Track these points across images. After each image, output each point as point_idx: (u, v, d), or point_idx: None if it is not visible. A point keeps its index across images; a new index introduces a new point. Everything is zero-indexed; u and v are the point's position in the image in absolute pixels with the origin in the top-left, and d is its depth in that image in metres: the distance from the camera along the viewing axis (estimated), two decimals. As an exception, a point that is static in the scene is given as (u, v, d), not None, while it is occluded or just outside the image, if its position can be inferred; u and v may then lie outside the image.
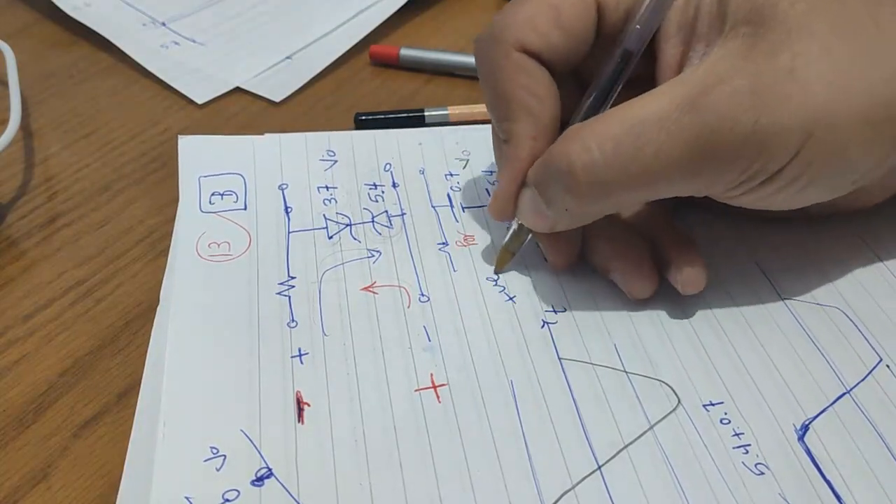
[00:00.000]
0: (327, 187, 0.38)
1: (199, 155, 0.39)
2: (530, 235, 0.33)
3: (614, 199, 0.29)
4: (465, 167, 0.40)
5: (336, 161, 0.40)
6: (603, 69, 0.31)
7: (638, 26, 0.30)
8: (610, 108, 0.31)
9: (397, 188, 0.38)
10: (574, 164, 0.29)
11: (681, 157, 0.27)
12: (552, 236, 0.33)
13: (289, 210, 0.37)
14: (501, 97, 0.32)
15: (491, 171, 0.39)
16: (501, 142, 0.33)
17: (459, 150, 0.41)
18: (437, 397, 0.29)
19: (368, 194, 0.38)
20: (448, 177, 0.39)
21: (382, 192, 0.38)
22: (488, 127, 0.42)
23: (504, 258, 0.34)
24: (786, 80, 0.27)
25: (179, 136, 0.40)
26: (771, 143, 0.27)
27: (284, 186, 0.38)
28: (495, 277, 0.34)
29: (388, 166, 0.39)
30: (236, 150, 0.40)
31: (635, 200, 0.31)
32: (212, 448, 0.28)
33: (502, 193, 0.32)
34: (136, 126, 0.44)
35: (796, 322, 0.32)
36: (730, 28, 0.28)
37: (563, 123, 0.32)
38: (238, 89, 0.46)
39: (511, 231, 0.34)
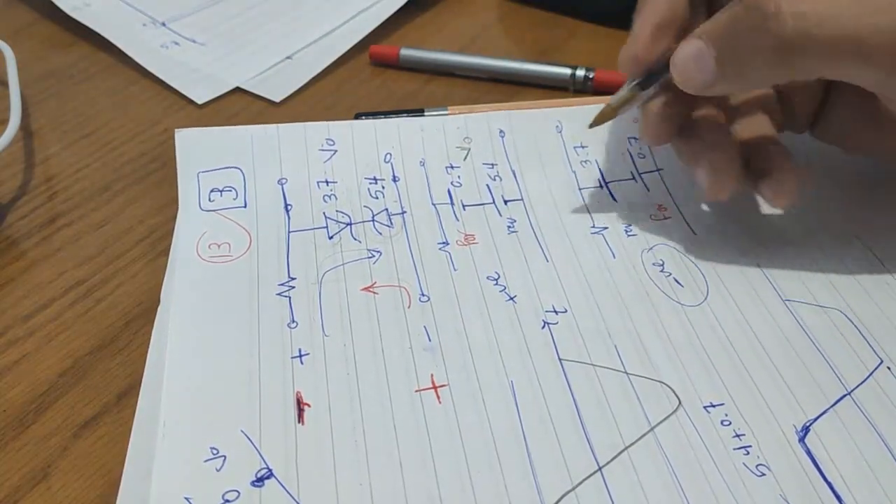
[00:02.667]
0: (327, 182, 0.38)
1: (197, 148, 0.39)
2: (643, 100, 0.33)
3: (812, 62, 0.28)
4: (465, 158, 0.39)
5: (336, 151, 0.39)
6: None
7: None
8: None
9: (397, 182, 0.38)
10: (786, 13, 0.27)
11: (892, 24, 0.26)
12: (661, 111, 0.32)
13: (289, 208, 0.37)
14: None
15: (492, 164, 0.39)
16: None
17: (461, 136, 0.40)
18: (438, 398, 0.29)
19: (369, 189, 0.38)
20: (449, 169, 0.39)
21: (383, 187, 0.38)
22: (489, 113, 0.41)
23: (606, 114, 0.34)
24: None
25: (177, 130, 0.40)
26: None
27: (284, 181, 0.38)
28: (496, 277, 0.34)
29: (388, 157, 0.39)
30: (234, 141, 0.39)
31: (831, 69, 0.29)
32: (212, 448, 0.27)
33: (634, 42, 0.32)
34: (135, 126, 0.44)
35: (797, 323, 0.32)
36: None
37: None
38: (238, 89, 0.46)
39: (625, 90, 0.33)
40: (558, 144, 0.40)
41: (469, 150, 0.40)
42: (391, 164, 0.39)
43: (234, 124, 0.44)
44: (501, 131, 0.41)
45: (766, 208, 0.37)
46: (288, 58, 0.49)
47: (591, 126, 0.34)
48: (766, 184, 0.32)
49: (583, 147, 0.40)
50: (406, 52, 0.48)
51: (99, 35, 0.49)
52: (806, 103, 0.35)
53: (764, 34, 0.28)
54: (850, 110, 0.34)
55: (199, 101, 0.45)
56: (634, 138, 0.40)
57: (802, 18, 0.27)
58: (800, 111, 0.35)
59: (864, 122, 0.33)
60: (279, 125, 0.40)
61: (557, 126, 0.41)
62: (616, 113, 0.34)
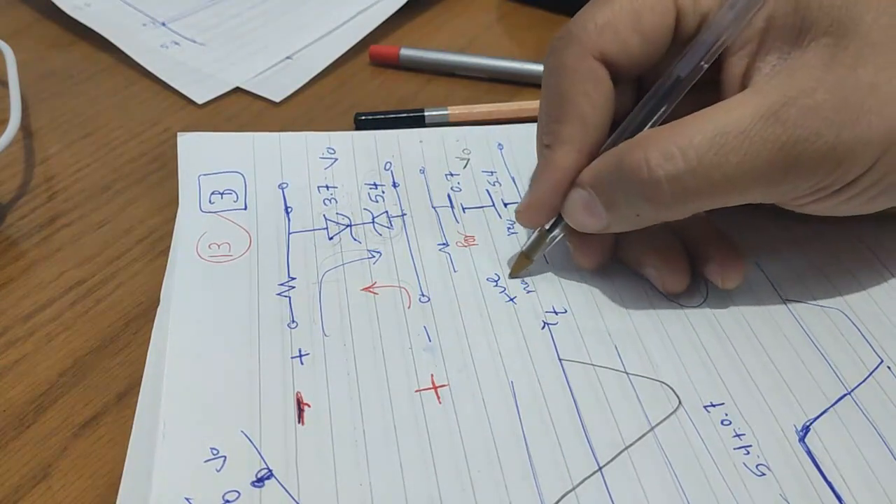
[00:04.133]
0: (327, 187, 0.38)
1: (198, 152, 0.39)
2: (555, 242, 0.33)
3: (691, 207, 0.29)
4: (465, 167, 0.40)
5: (336, 159, 0.39)
6: (655, 89, 0.31)
7: (689, 53, 0.31)
8: (660, 124, 0.31)
9: (397, 188, 0.38)
10: (656, 173, 0.28)
11: (763, 168, 0.28)
12: (586, 237, 0.33)
13: (289, 210, 0.37)
14: (561, 100, 0.32)
15: (492, 171, 0.39)
16: (544, 147, 0.32)
17: (460, 148, 0.41)
18: (438, 398, 0.29)
19: (369, 194, 0.38)
20: (448, 177, 0.39)
21: (383, 192, 0.38)
22: (489, 127, 0.42)
23: (521, 264, 0.34)
24: (868, 94, 0.27)
25: (179, 134, 0.40)
26: (850, 156, 0.27)
27: (284, 186, 0.38)
28: (495, 278, 0.34)
29: (388, 165, 0.39)
30: (236, 148, 0.40)
31: (709, 207, 0.30)
32: (212, 449, 0.27)
33: (539, 199, 0.32)
34: (135, 126, 0.44)
35: (797, 323, 0.32)
36: (809, 39, 0.29)
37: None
38: (238, 89, 0.46)
39: (533, 237, 0.34)
40: None
41: (468, 160, 0.40)
42: (391, 172, 0.39)
43: (234, 124, 0.44)
44: (500, 144, 0.41)
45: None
46: (288, 58, 0.49)
47: (511, 277, 0.34)
48: (713, 270, 0.33)
49: None
50: (406, 52, 0.48)
51: (99, 35, 0.49)
52: None
53: (644, 195, 0.29)
54: None
55: (199, 101, 0.45)
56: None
57: (677, 181, 0.28)
58: None
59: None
60: (280, 133, 0.40)
61: None
62: (532, 260, 0.34)
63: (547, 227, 0.33)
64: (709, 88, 0.31)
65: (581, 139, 0.31)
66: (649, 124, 0.31)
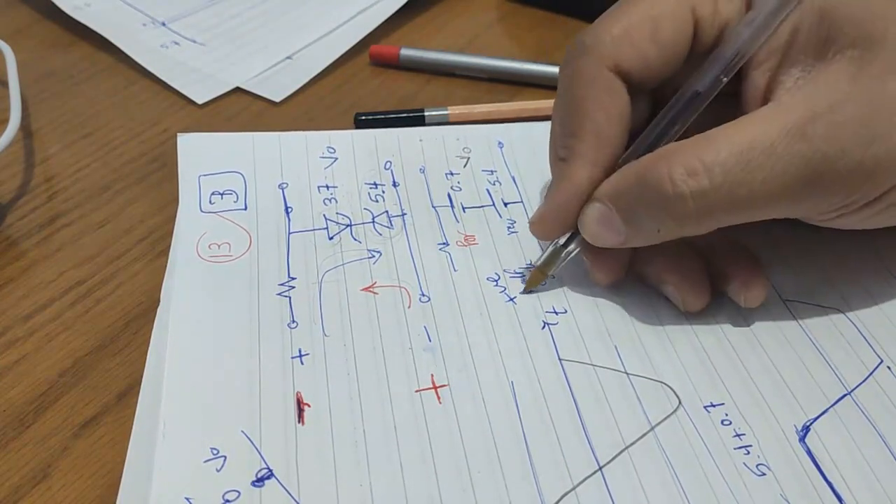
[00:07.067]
0: (327, 186, 0.38)
1: (198, 153, 0.39)
2: (570, 257, 0.33)
3: (715, 222, 0.29)
4: (465, 166, 0.40)
5: (336, 159, 0.39)
6: (673, 102, 0.31)
7: (708, 67, 0.30)
8: (678, 138, 0.30)
9: (398, 187, 0.38)
10: (680, 188, 0.28)
11: (789, 184, 0.27)
12: (603, 252, 0.32)
13: (289, 210, 0.37)
14: (576, 112, 0.31)
15: (492, 171, 0.39)
16: (559, 160, 0.32)
17: (460, 146, 0.41)
18: (438, 398, 0.29)
19: (369, 194, 0.38)
20: (448, 176, 0.39)
21: (383, 191, 0.38)
22: (489, 126, 0.42)
23: (536, 279, 0.33)
24: None
25: (179, 135, 0.40)
26: (879, 171, 0.27)
27: (284, 186, 0.38)
28: (496, 277, 0.34)
29: (388, 164, 0.39)
30: (236, 148, 0.40)
31: (733, 223, 0.30)
32: (212, 449, 0.27)
33: (554, 212, 0.32)
34: (135, 126, 0.44)
35: (797, 323, 0.32)
36: (835, 51, 0.28)
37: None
38: (238, 89, 0.46)
39: (548, 252, 0.33)
40: None
41: (468, 158, 0.40)
42: (391, 171, 0.39)
43: (234, 124, 0.44)
44: (500, 143, 0.41)
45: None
46: (288, 58, 0.49)
47: (525, 293, 0.33)
48: (735, 289, 0.32)
49: None
50: (406, 52, 0.48)
51: (99, 35, 0.49)
52: None
53: (667, 210, 0.29)
54: None
55: (199, 101, 0.45)
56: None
57: (702, 197, 0.28)
58: None
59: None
60: (280, 133, 0.40)
61: None
62: (546, 276, 0.33)
63: (562, 241, 0.33)
64: (728, 101, 0.31)
65: (597, 153, 0.31)
66: (667, 138, 0.30)
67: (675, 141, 0.30)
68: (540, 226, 0.33)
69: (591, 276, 0.33)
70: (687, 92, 0.30)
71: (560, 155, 0.32)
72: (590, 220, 0.31)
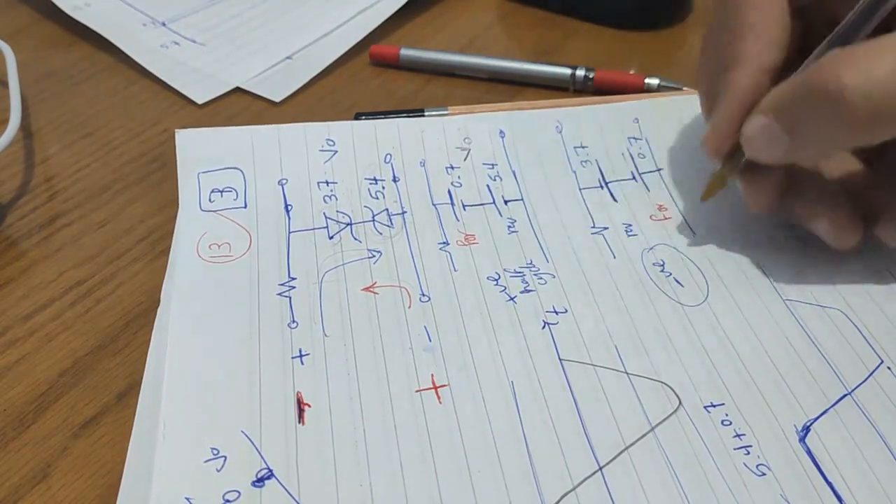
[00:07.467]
0: (327, 182, 0.38)
1: (197, 148, 0.39)
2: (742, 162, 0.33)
3: (884, 131, 0.28)
4: (465, 159, 0.39)
5: (336, 151, 0.39)
6: (856, 7, 0.30)
7: None
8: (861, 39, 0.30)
9: (398, 183, 0.38)
10: (851, 91, 0.27)
11: None
12: (758, 175, 0.32)
13: (289, 208, 0.37)
14: (737, 22, 0.31)
15: (493, 164, 0.39)
16: (722, 71, 0.31)
17: (461, 137, 0.40)
18: (438, 398, 0.29)
19: (369, 190, 0.38)
20: (449, 170, 0.39)
21: (383, 187, 0.38)
22: (489, 114, 0.41)
23: (715, 185, 0.33)
24: None
25: (177, 130, 0.40)
26: None
27: (284, 182, 0.38)
28: (496, 277, 0.34)
29: (388, 157, 0.39)
30: (235, 142, 0.39)
31: None
32: (212, 449, 0.27)
33: (720, 126, 0.32)
34: (136, 126, 0.44)
35: (797, 323, 0.32)
36: None
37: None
38: (238, 89, 0.46)
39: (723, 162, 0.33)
40: (558, 144, 0.40)
41: (469, 150, 0.40)
42: (391, 165, 0.39)
43: (234, 124, 0.44)
44: (501, 132, 0.41)
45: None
46: (288, 58, 0.49)
47: (704, 199, 0.34)
48: (882, 227, 0.32)
49: (583, 147, 0.40)
50: (406, 52, 0.48)
51: (99, 35, 0.49)
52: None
53: (833, 115, 0.28)
54: None
55: (199, 101, 0.45)
56: (635, 138, 0.40)
57: (870, 98, 0.27)
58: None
59: None
60: (279, 126, 0.40)
61: (557, 126, 0.41)
62: (725, 183, 0.33)
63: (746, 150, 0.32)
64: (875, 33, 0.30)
65: (760, 58, 0.30)
66: (858, 35, 0.30)
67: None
68: (713, 141, 0.32)
69: (746, 200, 0.33)
70: None
71: (724, 64, 0.31)
72: (751, 134, 0.31)
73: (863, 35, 0.30)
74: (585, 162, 0.39)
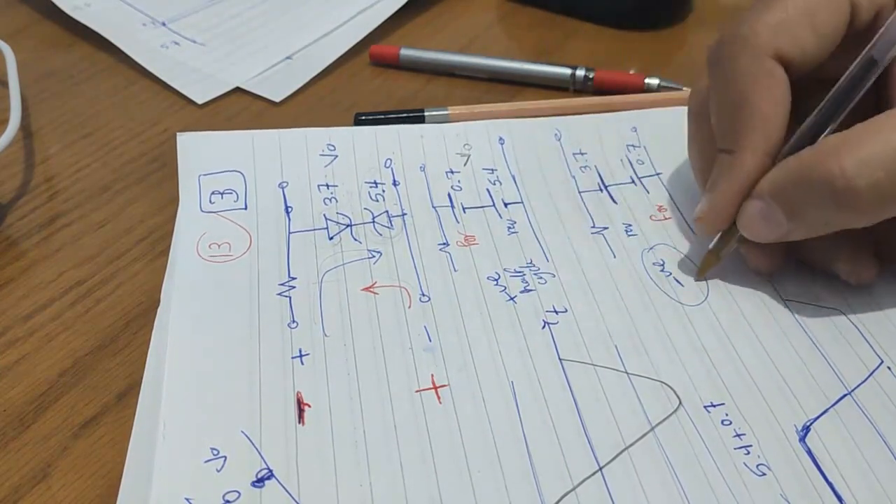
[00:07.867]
0: (328, 185, 0.38)
1: (198, 152, 0.39)
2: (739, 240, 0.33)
3: (888, 213, 0.29)
4: (465, 164, 0.40)
5: (336, 156, 0.39)
6: (843, 78, 0.30)
7: (884, 36, 0.29)
8: (843, 118, 0.30)
9: (398, 186, 0.38)
10: (855, 182, 0.28)
11: None
12: (760, 245, 0.32)
13: (289, 210, 0.37)
14: (739, 105, 0.31)
15: (492, 169, 0.39)
16: (722, 152, 0.32)
17: (460, 143, 0.41)
18: (438, 398, 0.29)
19: (369, 193, 0.38)
20: (449, 174, 0.39)
21: (383, 190, 0.38)
22: (488, 121, 0.42)
23: (710, 262, 0.33)
24: None
25: (178, 134, 0.40)
26: None
27: (284, 185, 0.38)
28: (496, 277, 0.34)
29: (388, 162, 0.39)
30: (235, 146, 0.40)
31: None
32: (212, 449, 0.27)
33: (721, 206, 0.32)
34: (135, 126, 0.44)
35: (797, 323, 0.32)
36: None
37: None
38: (238, 89, 0.46)
39: (718, 237, 0.33)
40: (557, 150, 0.40)
41: (469, 156, 0.40)
42: (391, 169, 0.39)
43: (234, 124, 0.44)
44: (501, 139, 0.41)
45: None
46: (288, 58, 0.49)
47: (699, 279, 0.34)
48: None
49: (582, 153, 0.40)
50: (406, 52, 0.48)
51: (99, 35, 0.49)
52: None
53: (836, 202, 0.28)
54: None
55: (199, 101, 0.45)
56: (633, 146, 0.41)
57: (877, 189, 0.28)
58: None
59: None
60: (280, 131, 0.40)
61: (556, 134, 0.41)
62: (720, 258, 0.33)
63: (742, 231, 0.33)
64: (864, 100, 0.30)
65: (765, 142, 0.31)
66: (832, 124, 0.30)
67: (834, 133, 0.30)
68: (711, 217, 0.33)
69: (751, 266, 0.34)
70: (859, 62, 0.30)
71: (724, 146, 0.32)
72: (750, 218, 0.31)
73: (854, 102, 0.30)
74: (584, 167, 0.39)
